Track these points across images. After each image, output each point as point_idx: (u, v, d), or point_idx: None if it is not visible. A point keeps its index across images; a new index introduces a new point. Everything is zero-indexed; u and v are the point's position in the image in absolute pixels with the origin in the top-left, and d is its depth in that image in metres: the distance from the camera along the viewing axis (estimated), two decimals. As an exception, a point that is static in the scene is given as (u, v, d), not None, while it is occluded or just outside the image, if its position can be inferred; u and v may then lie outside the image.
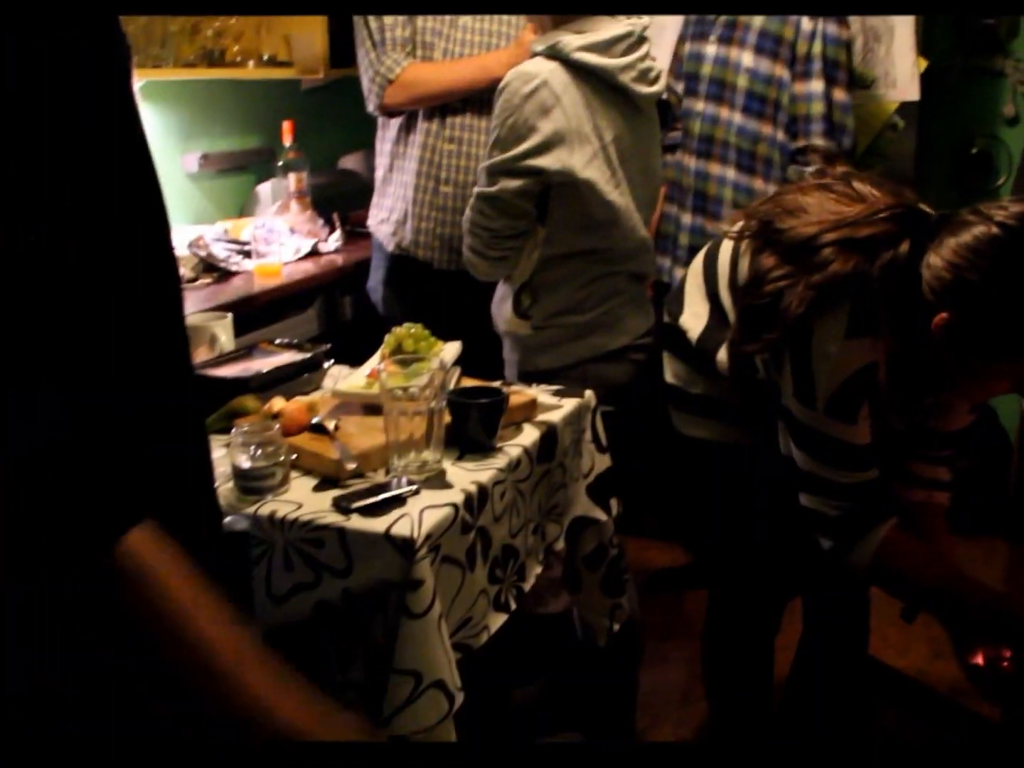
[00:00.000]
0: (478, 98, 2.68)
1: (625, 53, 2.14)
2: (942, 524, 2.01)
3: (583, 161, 2.10)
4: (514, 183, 2.09)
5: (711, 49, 2.84)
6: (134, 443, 0.84)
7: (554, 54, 2.09)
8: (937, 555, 1.86)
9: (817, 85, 2.69)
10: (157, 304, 0.90)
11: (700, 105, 2.86)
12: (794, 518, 1.86)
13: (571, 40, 2.08)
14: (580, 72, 2.10)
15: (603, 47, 2.10)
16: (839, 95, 2.71)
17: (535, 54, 2.12)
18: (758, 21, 2.75)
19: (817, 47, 2.69)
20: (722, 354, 1.91)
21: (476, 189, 2.16)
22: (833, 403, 1.71)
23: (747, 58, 2.76)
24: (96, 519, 0.81)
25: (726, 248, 1.95)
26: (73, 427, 0.79)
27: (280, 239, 3.20)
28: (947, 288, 1.59)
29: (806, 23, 2.69)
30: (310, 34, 3.47)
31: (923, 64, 3.05)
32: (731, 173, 2.80)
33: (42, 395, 0.77)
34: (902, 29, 3.02)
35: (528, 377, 2.23)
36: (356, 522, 1.56)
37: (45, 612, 0.82)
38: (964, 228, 1.59)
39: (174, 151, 3.44)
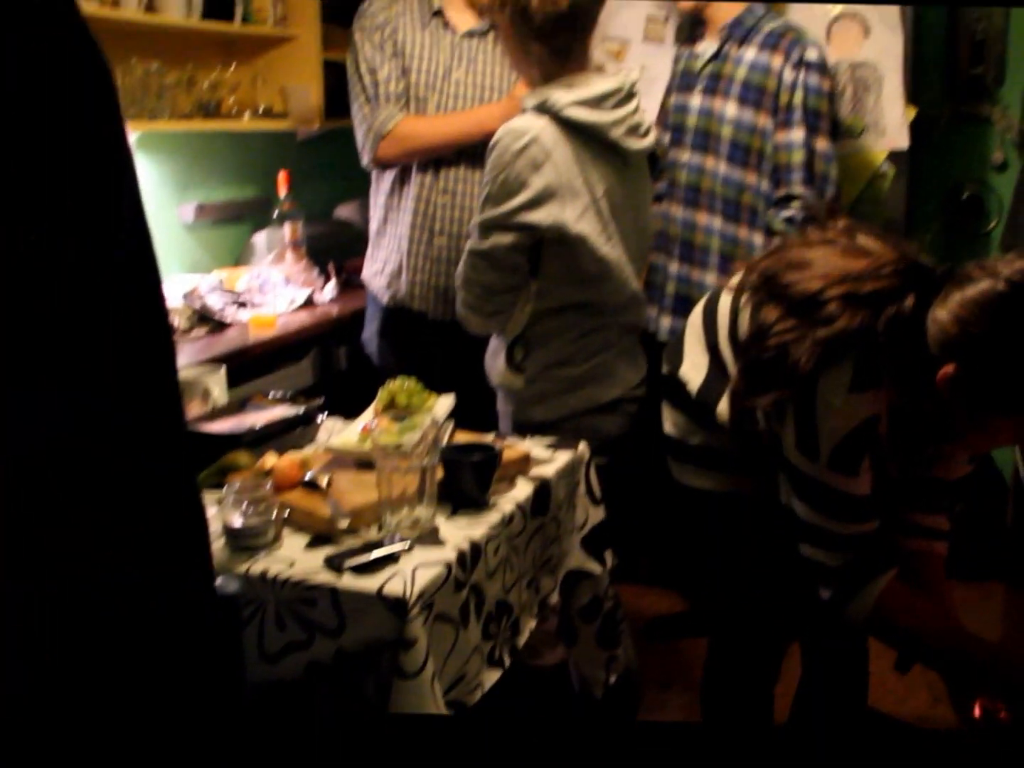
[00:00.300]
0: (472, 150, 2.70)
1: (615, 108, 2.16)
2: (941, 573, 2.00)
3: (575, 215, 2.11)
4: (506, 238, 2.11)
5: (696, 100, 2.86)
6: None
7: (545, 110, 2.11)
8: (936, 607, 1.85)
9: (798, 134, 2.71)
10: (149, 357, 0.91)
11: (686, 156, 2.88)
12: (792, 567, 1.85)
13: (561, 96, 2.10)
14: (570, 127, 2.11)
15: (593, 103, 2.12)
16: (821, 144, 2.73)
17: (525, 110, 2.14)
18: (742, 73, 2.77)
19: (799, 96, 2.71)
20: (723, 406, 1.91)
21: (469, 245, 2.17)
22: (836, 456, 1.71)
23: (731, 109, 2.78)
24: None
25: (725, 300, 1.95)
26: (73, 429, 0.80)
27: (275, 289, 3.22)
28: (952, 342, 1.59)
29: (788, 74, 2.71)
30: (305, 86, 3.50)
31: (912, 113, 3.07)
32: (717, 223, 2.82)
33: (43, 395, 0.79)
34: (891, 79, 3.04)
35: (522, 429, 2.24)
36: (348, 581, 1.56)
37: (45, 612, 0.83)
38: (970, 283, 1.59)
39: (170, 202, 3.46)
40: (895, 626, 1.80)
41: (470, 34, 2.79)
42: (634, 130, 2.19)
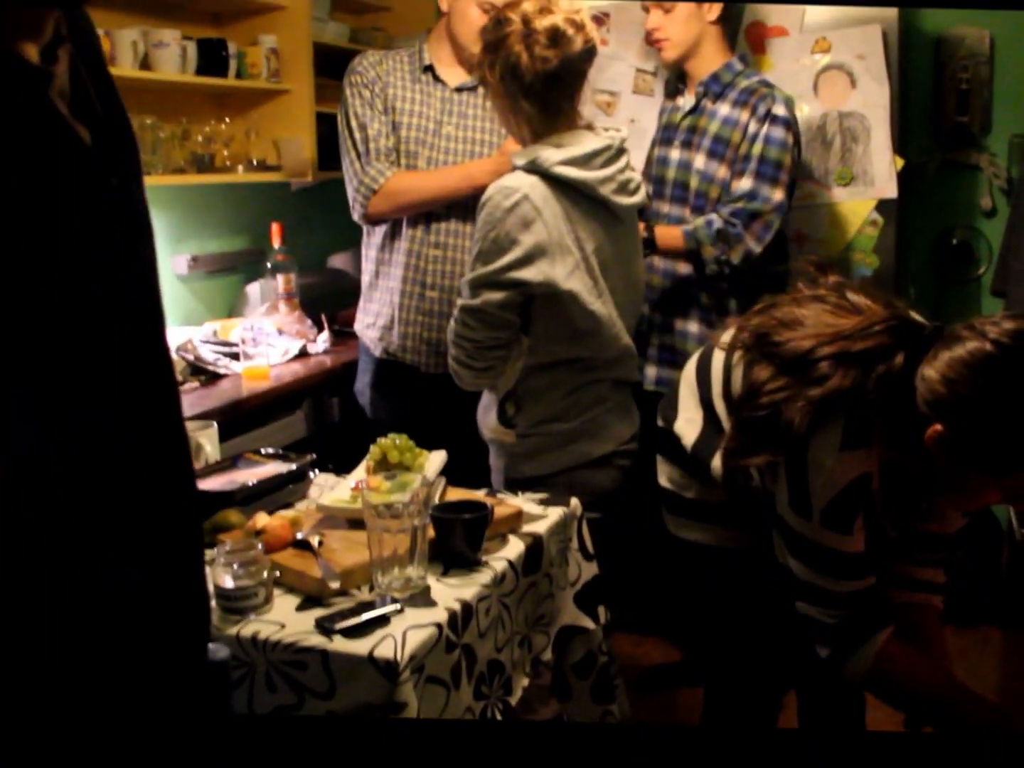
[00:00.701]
0: (463, 204, 2.71)
1: (604, 166, 2.17)
2: (938, 626, 1.99)
3: (565, 272, 2.12)
4: (497, 295, 2.12)
5: (675, 153, 2.89)
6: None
7: (534, 168, 2.12)
8: (934, 665, 1.84)
9: (746, 183, 2.73)
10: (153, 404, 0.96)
11: (666, 207, 2.90)
12: (786, 620, 1.85)
13: (551, 154, 2.11)
14: (560, 185, 2.13)
15: (582, 161, 2.13)
16: (775, 195, 2.72)
17: (515, 168, 2.15)
18: (714, 127, 2.80)
19: (757, 148, 2.72)
20: (717, 462, 1.91)
21: (460, 302, 2.18)
22: (828, 514, 1.72)
23: (699, 160, 2.82)
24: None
25: (719, 356, 1.96)
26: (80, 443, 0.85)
27: (268, 340, 3.22)
28: (941, 401, 1.60)
29: (752, 126, 2.74)
30: (298, 138, 3.52)
31: (900, 162, 3.10)
32: (696, 274, 2.83)
33: (56, 411, 0.84)
34: (878, 129, 3.07)
35: (514, 484, 2.24)
36: (339, 644, 1.55)
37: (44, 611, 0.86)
38: (958, 342, 1.60)
39: (164, 253, 3.47)
40: (892, 684, 1.79)
41: (460, 89, 2.82)
42: (624, 187, 2.21)
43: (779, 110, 2.73)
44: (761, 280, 2.67)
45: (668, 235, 2.75)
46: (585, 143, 2.16)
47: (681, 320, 2.88)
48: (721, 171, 2.78)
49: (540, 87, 2.12)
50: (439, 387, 2.71)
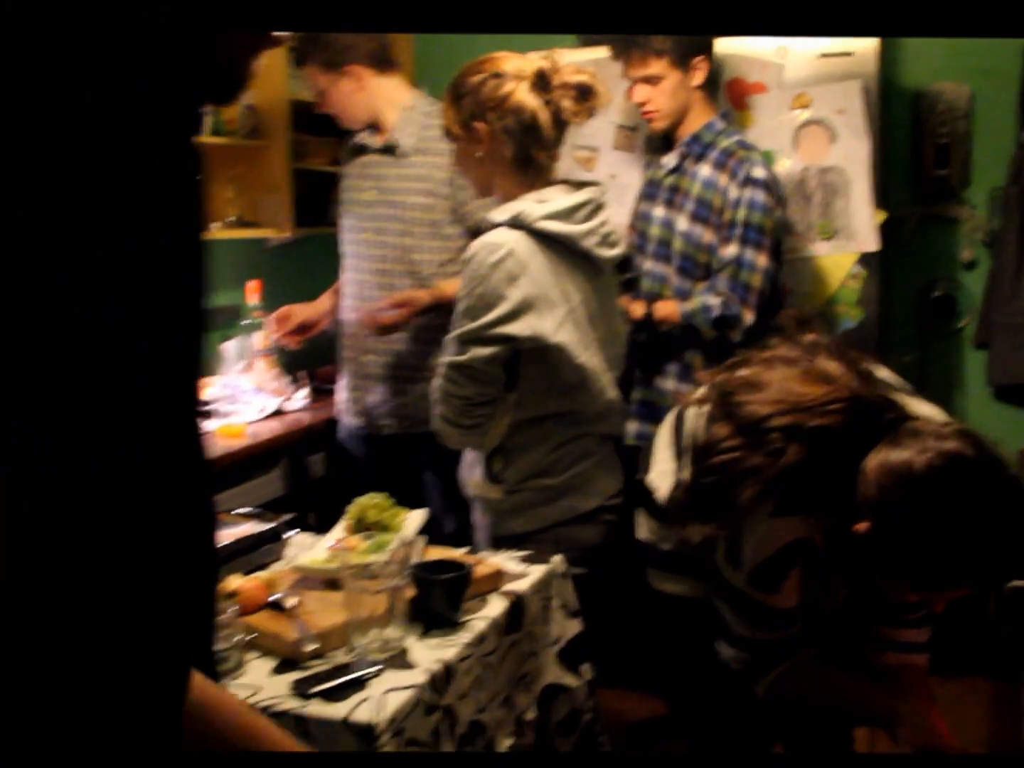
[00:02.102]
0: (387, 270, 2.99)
1: (586, 219, 2.15)
2: (923, 685, 1.96)
3: (553, 326, 2.10)
4: (485, 351, 2.08)
5: (659, 211, 2.89)
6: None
7: (517, 223, 2.10)
8: (844, 677, 1.91)
9: (733, 249, 2.73)
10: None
11: (648, 264, 2.89)
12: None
13: (533, 209, 2.10)
14: (544, 239, 2.11)
15: (565, 215, 2.12)
16: (759, 259, 2.72)
17: (497, 224, 2.13)
18: (696, 189, 2.80)
19: (741, 214, 2.72)
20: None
21: (446, 359, 2.14)
22: (757, 574, 1.76)
23: (683, 223, 2.82)
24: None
25: (691, 412, 1.95)
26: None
27: (245, 398, 3.18)
28: (870, 502, 1.60)
29: (733, 191, 2.73)
30: (276, 195, 3.52)
31: (881, 216, 3.11)
32: (678, 332, 2.81)
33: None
34: (859, 183, 3.08)
35: (500, 542, 2.19)
36: (316, 708, 1.51)
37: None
38: (898, 448, 1.59)
39: (141, 310, 3.44)
40: (791, 699, 1.89)
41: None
42: (605, 239, 2.19)
43: (757, 172, 2.74)
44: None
45: (666, 311, 2.77)
46: (566, 197, 2.15)
47: (660, 377, 2.87)
48: (707, 236, 2.79)
49: (534, 142, 2.12)
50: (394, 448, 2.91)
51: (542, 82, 2.12)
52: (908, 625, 1.94)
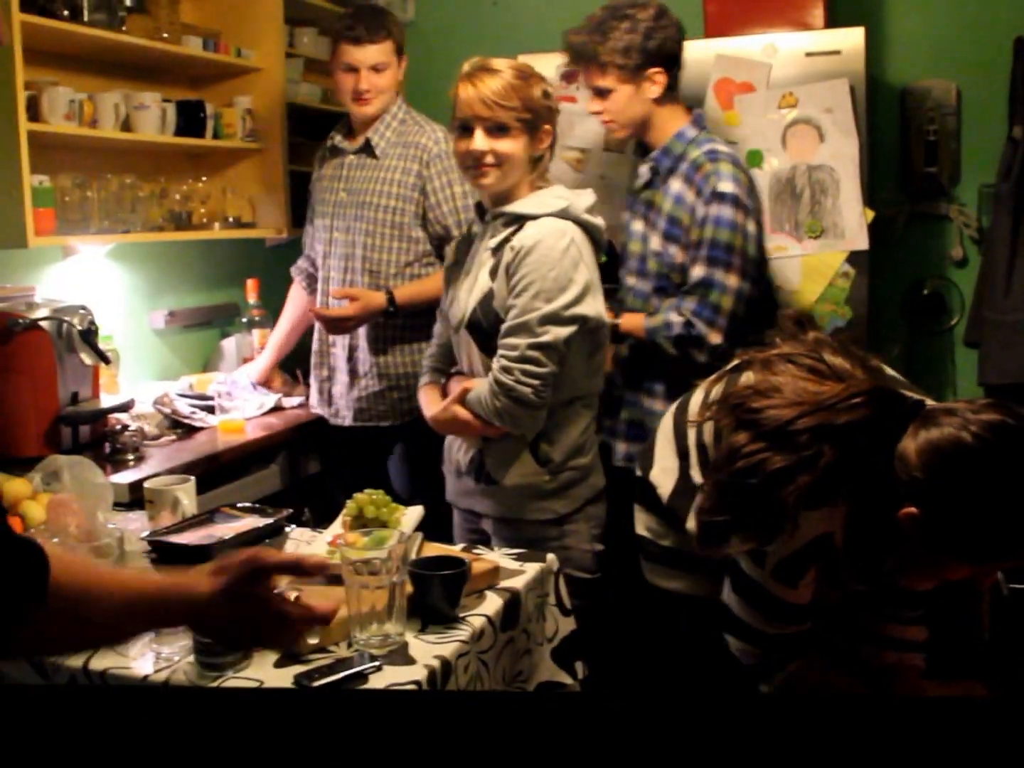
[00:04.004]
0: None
1: (597, 215, 2.34)
2: (919, 687, 1.96)
3: (604, 307, 2.30)
4: (564, 330, 2.20)
5: (638, 225, 2.84)
6: None
7: (566, 215, 2.26)
8: (840, 679, 1.87)
9: (699, 271, 2.63)
10: None
11: (632, 280, 2.85)
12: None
13: (577, 203, 2.27)
14: (586, 229, 2.29)
15: (591, 209, 2.31)
16: (729, 279, 2.63)
17: (537, 216, 2.26)
18: (668, 206, 2.73)
19: (708, 231, 2.62)
20: (691, 523, 1.91)
21: (518, 341, 2.20)
22: (780, 568, 1.74)
23: (655, 241, 2.76)
24: None
25: (696, 401, 1.97)
26: None
27: (244, 394, 3.23)
28: (918, 486, 1.60)
29: (700, 209, 2.64)
30: (273, 196, 3.57)
31: (870, 214, 3.14)
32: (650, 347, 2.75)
33: None
34: (847, 181, 3.12)
35: (532, 527, 2.31)
36: (317, 701, 1.54)
37: None
38: (939, 427, 1.60)
39: (142, 308, 3.49)
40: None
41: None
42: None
43: (724, 186, 2.63)
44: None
45: (632, 324, 2.71)
46: (585, 195, 2.33)
47: (647, 397, 2.78)
48: (679, 256, 2.69)
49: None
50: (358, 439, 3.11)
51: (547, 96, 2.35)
52: (907, 622, 1.95)
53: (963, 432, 1.57)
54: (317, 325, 3.17)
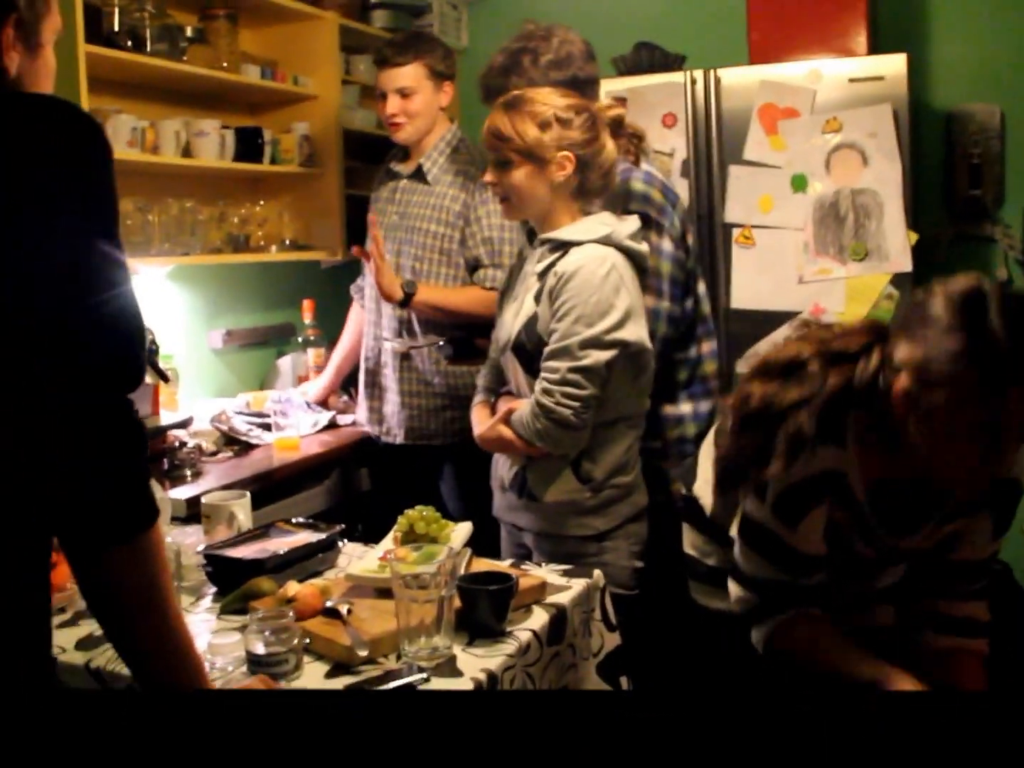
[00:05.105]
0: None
1: (642, 241, 2.38)
2: (980, 677, 1.89)
3: (646, 333, 2.33)
4: (605, 355, 2.24)
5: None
6: None
7: (609, 241, 2.29)
8: (829, 635, 1.84)
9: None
10: None
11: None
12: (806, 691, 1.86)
13: (620, 230, 2.31)
14: (627, 256, 2.32)
15: (635, 236, 2.34)
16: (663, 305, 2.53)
17: (580, 242, 2.29)
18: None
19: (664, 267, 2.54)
20: (734, 530, 1.95)
21: (559, 365, 2.26)
22: (780, 502, 1.78)
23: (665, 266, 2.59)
24: None
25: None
26: None
27: (298, 412, 3.31)
28: (908, 322, 1.67)
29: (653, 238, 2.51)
30: (329, 219, 3.66)
31: (914, 237, 3.17)
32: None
33: None
34: (891, 205, 3.15)
35: (572, 543, 2.34)
36: (368, 710, 1.60)
37: None
38: (916, 315, 1.66)
39: (201, 328, 3.59)
40: (788, 658, 1.84)
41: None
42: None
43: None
44: None
45: None
46: (629, 221, 2.36)
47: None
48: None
49: (604, 177, 2.36)
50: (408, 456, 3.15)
51: (616, 127, 2.38)
52: (968, 597, 1.90)
53: (942, 304, 1.62)
54: (368, 344, 3.23)
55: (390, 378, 3.16)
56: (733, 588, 1.91)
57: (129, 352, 1.27)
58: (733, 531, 1.95)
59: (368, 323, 3.25)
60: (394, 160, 3.25)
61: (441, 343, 2.95)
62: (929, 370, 1.61)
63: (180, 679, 1.33)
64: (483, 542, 2.29)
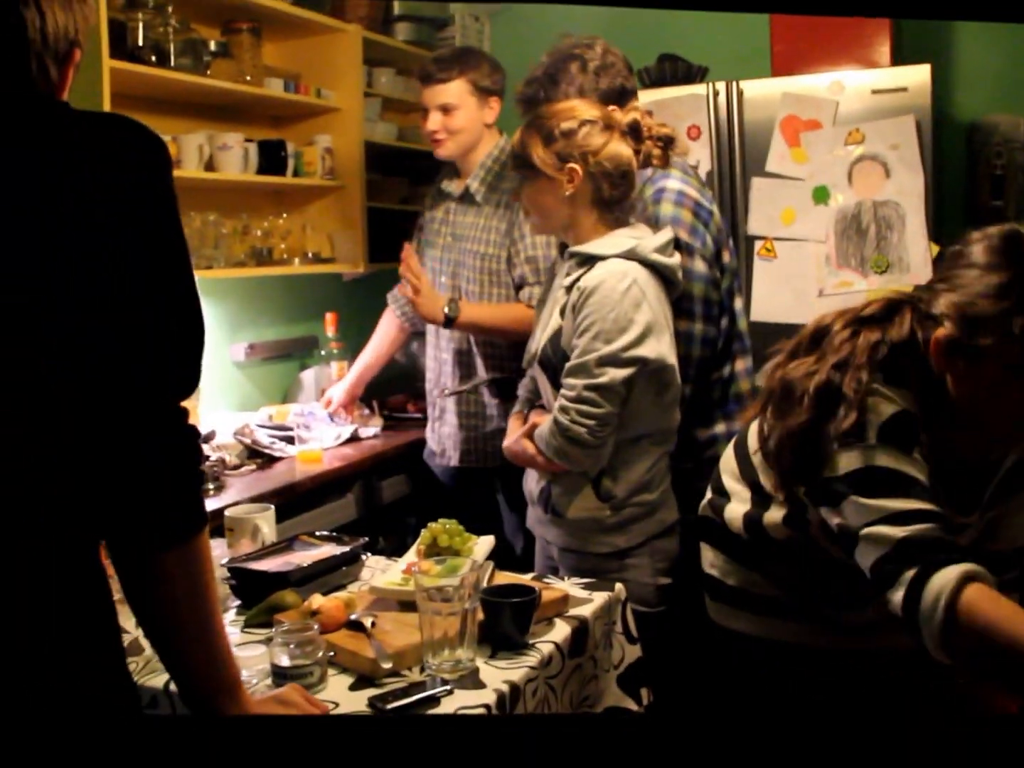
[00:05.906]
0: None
1: (672, 254, 2.36)
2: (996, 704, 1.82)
3: (668, 348, 2.29)
4: (622, 372, 2.23)
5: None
6: None
7: (633, 256, 2.28)
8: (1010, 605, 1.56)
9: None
10: None
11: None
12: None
13: (646, 243, 2.29)
14: (652, 270, 2.31)
15: (662, 249, 2.32)
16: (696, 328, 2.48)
17: (604, 257, 2.29)
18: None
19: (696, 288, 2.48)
20: (772, 515, 1.91)
21: (575, 382, 2.26)
22: (886, 431, 1.66)
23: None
24: None
25: (752, 431, 2.00)
26: None
27: (321, 425, 3.32)
28: (948, 272, 1.69)
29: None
30: (351, 232, 3.67)
31: (935, 249, 3.16)
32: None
33: None
34: (913, 217, 3.15)
35: (595, 559, 2.33)
36: (391, 723, 1.60)
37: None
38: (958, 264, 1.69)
39: (223, 341, 3.61)
40: (976, 634, 1.50)
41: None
42: (678, 273, 2.39)
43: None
44: None
45: None
46: (660, 234, 2.35)
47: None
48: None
49: (625, 186, 2.35)
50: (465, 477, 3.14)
51: (635, 133, 2.36)
52: (1000, 588, 1.59)
53: (984, 248, 1.67)
54: (430, 365, 3.26)
55: (449, 399, 3.18)
56: (862, 557, 1.64)
57: (193, 358, 1.31)
58: (769, 516, 1.91)
59: (429, 344, 3.27)
60: (445, 179, 3.24)
61: (483, 385, 2.97)
62: (975, 311, 1.63)
63: (219, 682, 1.37)
64: (531, 551, 2.45)
